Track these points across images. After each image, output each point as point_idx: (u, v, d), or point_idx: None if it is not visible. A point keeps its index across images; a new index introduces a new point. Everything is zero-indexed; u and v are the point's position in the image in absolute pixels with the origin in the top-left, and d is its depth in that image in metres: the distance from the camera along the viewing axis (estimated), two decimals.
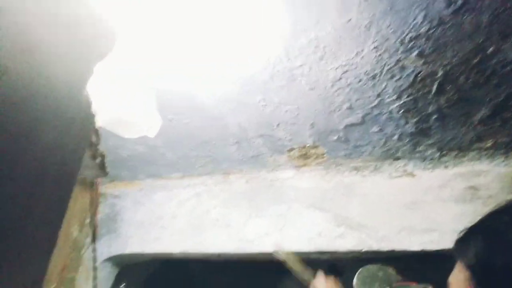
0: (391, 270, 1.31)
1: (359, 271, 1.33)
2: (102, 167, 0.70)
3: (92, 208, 2.19)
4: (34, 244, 0.53)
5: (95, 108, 0.70)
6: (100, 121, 0.85)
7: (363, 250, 1.60)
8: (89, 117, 0.65)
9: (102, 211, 2.27)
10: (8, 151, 0.48)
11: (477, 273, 0.47)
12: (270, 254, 1.79)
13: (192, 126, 1.64)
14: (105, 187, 2.33)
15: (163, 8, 1.09)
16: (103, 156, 0.69)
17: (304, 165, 1.84)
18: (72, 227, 2.25)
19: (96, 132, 0.74)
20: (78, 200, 2.30)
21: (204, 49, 1.23)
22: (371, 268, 1.32)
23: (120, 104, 1.01)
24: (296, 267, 1.60)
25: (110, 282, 2.29)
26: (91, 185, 2.28)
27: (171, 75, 1.35)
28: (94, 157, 0.66)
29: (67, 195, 0.60)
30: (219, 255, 1.87)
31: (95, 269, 2.10)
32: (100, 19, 0.69)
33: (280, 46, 1.18)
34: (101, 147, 1.54)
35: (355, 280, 1.32)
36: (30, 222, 0.52)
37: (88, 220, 2.30)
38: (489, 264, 0.45)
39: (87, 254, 2.19)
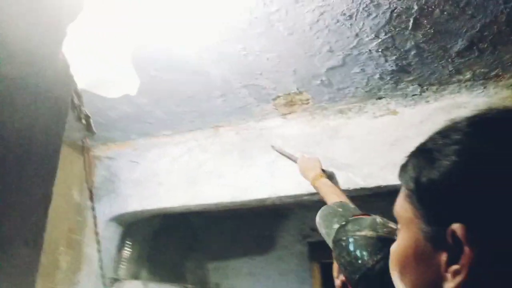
0: (351, 205, 1.36)
1: (321, 208, 1.39)
2: (88, 127, 0.73)
3: (87, 171, 2.24)
4: (30, 200, 0.58)
5: (74, 70, 0.72)
6: (81, 83, 0.87)
7: (350, 188, 1.68)
8: (68, 79, 0.66)
9: (99, 173, 2.33)
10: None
11: (413, 193, 0.49)
12: (264, 200, 1.88)
13: (175, 82, 1.65)
14: (99, 150, 2.37)
15: None
16: (88, 117, 0.72)
17: (291, 112, 1.88)
18: (73, 191, 2.32)
19: (78, 93, 0.76)
20: (75, 165, 2.35)
21: (178, 1, 1.21)
22: (332, 205, 1.38)
23: (98, 65, 1.02)
24: (286, 154, 1.82)
25: (115, 241, 2.40)
26: (84, 149, 2.31)
27: (149, 31, 1.34)
28: (79, 118, 0.69)
29: (56, 154, 0.64)
30: (215, 205, 1.95)
31: (98, 229, 2.19)
32: None
33: None
34: (88, 109, 1.56)
35: (317, 218, 1.37)
36: (24, 180, 0.56)
37: (87, 184, 2.37)
38: (419, 183, 0.48)
39: (90, 216, 2.27)
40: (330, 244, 1.23)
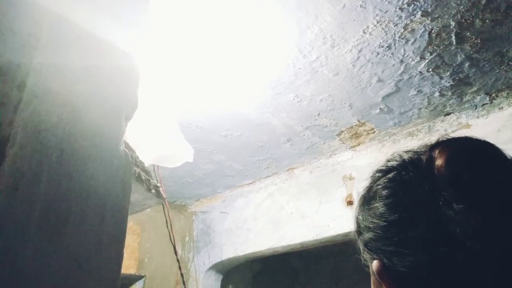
0: None
1: None
2: (158, 195, 0.90)
3: (187, 226, 2.50)
4: (108, 261, 0.73)
5: (139, 152, 0.88)
6: (149, 160, 1.06)
7: None
8: (129, 166, 0.80)
9: (196, 227, 2.58)
10: (79, 199, 0.69)
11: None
12: (346, 235, 1.88)
13: (245, 136, 1.82)
14: (194, 206, 2.64)
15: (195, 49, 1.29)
16: (157, 187, 0.89)
17: (359, 143, 1.91)
18: (176, 247, 2.59)
19: (145, 170, 0.93)
20: (175, 223, 2.64)
21: (231, 69, 1.40)
22: None
23: (159, 142, 1.19)
24: None
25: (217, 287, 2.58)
26: (181, 208, 2.61)
27: (212, 99, 1.55)
28: (149, 189, 0.86)
29: (124, 223, 0.78)
30: (300, 244, 2.01)
31: (200, 279, 2.39)
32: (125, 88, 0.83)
33: (292, 46, 1.31)
34: (176, 173, 1.81)
35: None
36: (102, 247, 0.72)
37: (187, 238, 2.64)
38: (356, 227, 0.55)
39: (192, 267, 2.50)
40: None
